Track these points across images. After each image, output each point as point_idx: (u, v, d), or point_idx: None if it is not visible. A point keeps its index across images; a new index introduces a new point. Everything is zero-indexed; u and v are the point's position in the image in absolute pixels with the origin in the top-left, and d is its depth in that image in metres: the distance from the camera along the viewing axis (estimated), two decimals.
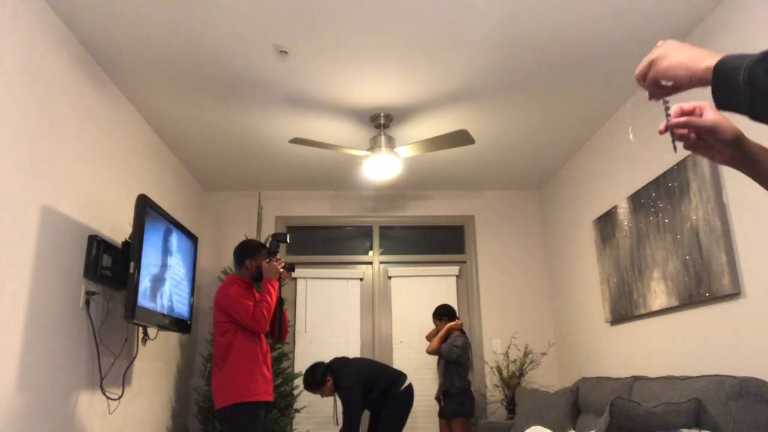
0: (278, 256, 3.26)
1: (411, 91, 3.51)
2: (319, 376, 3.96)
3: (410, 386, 4.09)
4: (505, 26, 2.89)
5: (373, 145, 3.83)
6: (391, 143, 3.84)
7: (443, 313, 4.48)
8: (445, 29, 2.90)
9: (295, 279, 5.10)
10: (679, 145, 1.00)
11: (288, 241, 3.37)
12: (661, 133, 0.98)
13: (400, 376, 4.10)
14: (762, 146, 0.99)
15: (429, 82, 3.42)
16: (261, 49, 3.03)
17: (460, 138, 3.64)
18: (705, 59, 0.86)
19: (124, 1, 2.63)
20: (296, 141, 3.65)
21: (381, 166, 3.81)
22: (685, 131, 0.95)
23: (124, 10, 2.69)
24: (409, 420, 4.25)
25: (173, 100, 3.57)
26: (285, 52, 3.05)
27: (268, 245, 3.33)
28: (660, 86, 0.94)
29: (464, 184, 5.25)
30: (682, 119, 0.95)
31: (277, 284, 3.17)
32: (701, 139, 0.97)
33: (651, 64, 0.94)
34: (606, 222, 3.94)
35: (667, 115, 0.98)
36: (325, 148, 3.76)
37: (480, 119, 3.91)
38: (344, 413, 3.86)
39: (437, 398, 4.35)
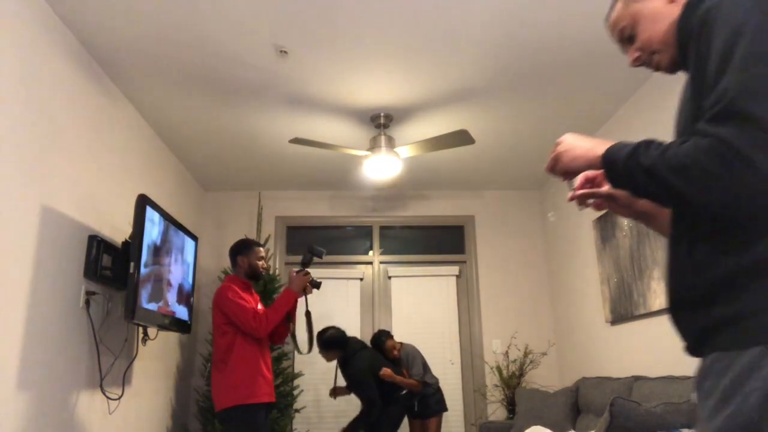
0: (307, 270, 3.20)
1: (411, 91, 3.51)
2: (333, 340, 3.99)
3: (409, 393, 4.08)
4: (505, 26, 2.89)
5: (373, 145, 3.83)
6: (391, 143, 3.84)
7: (389, 333, 4.41)
8: (445, 29, 2.90)
9: None
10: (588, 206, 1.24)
11: (322, 257, 3.29)
12: (569, 200, 1.20)
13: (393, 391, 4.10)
14: (652, 204, 1.18)
15: (429, 82, 3.42)
16: (261, 49, 3.03)
17: (460, 138, 3.64)
18: (598, 149, 1.05)
19: (124, 2, 2.63)
20: (296, 141, 3.65)
21: (381, 166, 3.81)
22: (595, 201, 1.17)
23: (125, 10, 2.69)
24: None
25: (173, 100, 3.57)
26: (285, 52, 3.05)
27: (302, 256, 3.28)
28: (569, 174, 1.14)
29: (464, 184, 5.25)
30: (583, 191, 1.16)
31: (294, 298, 3.10)
32: (606, 201, 1.18)
33: (556, 160, 1.12)
34: (606, 222, 3.94)
35: (572, 188, 1.19)
36: (325, 148, 3.76)
37: (480, 119, 3.91)
38: (366, 399, 3.85)
39: (410, 405, 4.28)
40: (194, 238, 4.00)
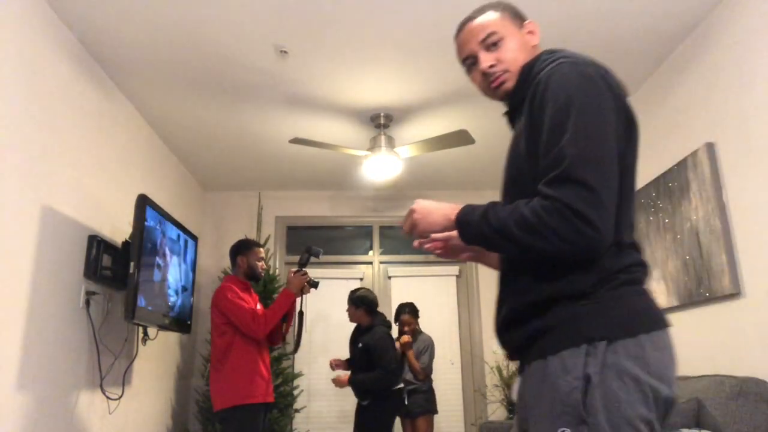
0: (304, 270, 3.20)
1: (411, 91, 3.51)
2: (364, 299, 3.92)
3: (403, 388, 4.04)
4: None
5: (373, 145, 3.83)
6: (391, 143, 3.84)
7: (415, 312, 4.42)
8: (445, 29, 2.89)
9: None
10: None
11: (319, 257, 3.29)
12: (415, 248, 1.43)
13: (400, 375, 4.08)
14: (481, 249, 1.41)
15: (429, 82, 3.41)
16: (261, 49, 3.03)
17: (460, 138, 3.64)
18: (450, 214, 1.22)
19: (124, 1, 2.63)
20: (296, 141, 3.65)
21: (381, 166, 3.81)
22: (434, 244, 1.41)
23: (124, 10, 2.69)
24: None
25: (173, 100, 3.57)
26: (285, 52, 3.05)
27: (299, 257, 3.28)
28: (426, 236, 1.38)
29: (464, 184, 5.24)
30: (422, 241, 1.40)
31: (292, 299, 3.10)
32: (448, 248, 1.40)
33: (413, 226, 1.32)
34: None
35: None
36: (325, 148, 3.76)
37: (480, 119, 3.90)
38: (381, 361, 3.73)
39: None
40: (194, 238, 4.00)
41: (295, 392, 4.62)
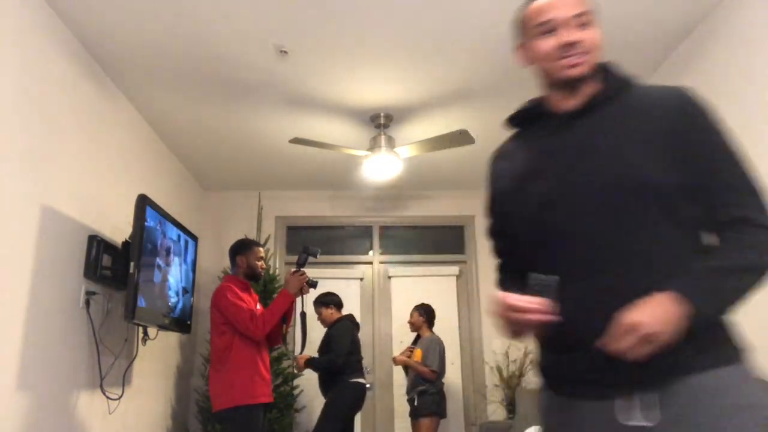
0: (303, 270, 3.17)
1: (411, 91, 3.51)
2: (329, 300, 4.19)
3: (364, 385, 4.04)
4: (504, 26, 2.89)
5: (373, 145, 3.83)
6: (391, 143, 3.84)
7: (425, 311, 4.48)
8: (445, 29, 2.90)
9: None
10: None
11: (317, 257, 3.26)
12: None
13: (362, 370, 4.09)
14: None
15: (429, 82, 3.41)
16: (261, 49, 3.03)
17: (460, 138, 3.64)
18: (675, 314, 1.05)
19: (124, 1, 2.63)
20: (296, 141, 3.65)
21: (381, 166, 3.81)
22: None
23: (125, 10, 2.68)
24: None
25: (173, 100, 3.57)
26: (285, 52, 3.05)
27: (297, 257, 3.27)
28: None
29: (464, 184, 5.24)
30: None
31: (291, 299, 3.08)
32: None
33: (648, 341, 1.02)
34: None
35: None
36: (325, 148, 3.76)
37: (480, 119, 3.90)
38: (333, 348, 3.95)
39: (410, 398, 4.27)
40: (194, 238, 4.00)
41: (295, 392, 4.62)
